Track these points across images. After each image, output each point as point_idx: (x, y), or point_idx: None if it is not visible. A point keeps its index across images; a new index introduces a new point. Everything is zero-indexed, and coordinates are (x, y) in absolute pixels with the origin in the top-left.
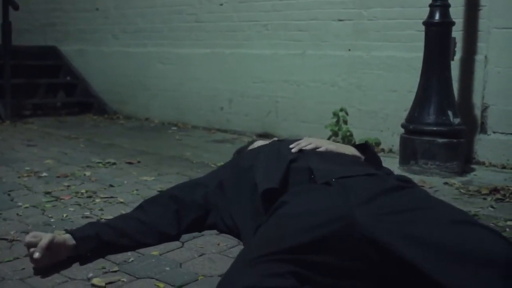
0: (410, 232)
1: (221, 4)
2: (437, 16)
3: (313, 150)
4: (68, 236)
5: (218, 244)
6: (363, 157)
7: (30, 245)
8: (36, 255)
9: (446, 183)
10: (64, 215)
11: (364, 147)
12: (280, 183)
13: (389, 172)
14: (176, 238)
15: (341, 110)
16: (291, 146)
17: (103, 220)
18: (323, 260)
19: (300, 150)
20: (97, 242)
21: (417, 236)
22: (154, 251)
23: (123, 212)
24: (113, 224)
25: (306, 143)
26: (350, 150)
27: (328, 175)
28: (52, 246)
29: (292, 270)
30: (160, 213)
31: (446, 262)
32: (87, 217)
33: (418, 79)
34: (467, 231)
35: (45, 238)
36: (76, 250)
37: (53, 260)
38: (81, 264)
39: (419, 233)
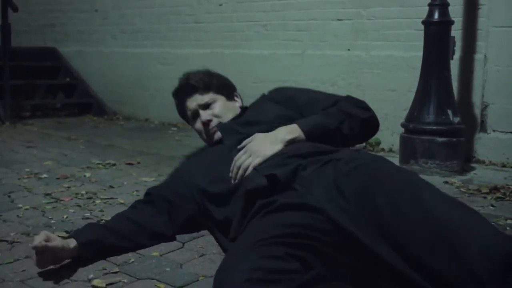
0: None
1: (220, 5)
2: (436, 15)
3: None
4: (70, 240)
5: (219, 245)
6: (301, 133)
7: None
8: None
9: (446, 182)
10: (64, 216)
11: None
12: (243, 219)
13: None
14: (171, 237)
15: None
16: (230, 174)
17: (102, 221)
18: (317, 246)
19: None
20: (99, 246)
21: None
22: (154, 252)
23: None
24: (111, 227)
25: (239, 167)
26: (281, 137)
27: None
28: (57, 252)
29: (291, 252)
30: (154, 214)
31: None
32: (87, 218)
33: (417, 79)
34: (432, 215)
35: (56, 241)
36: (78, 254)
37: (56, 264)
38: (82, 266)
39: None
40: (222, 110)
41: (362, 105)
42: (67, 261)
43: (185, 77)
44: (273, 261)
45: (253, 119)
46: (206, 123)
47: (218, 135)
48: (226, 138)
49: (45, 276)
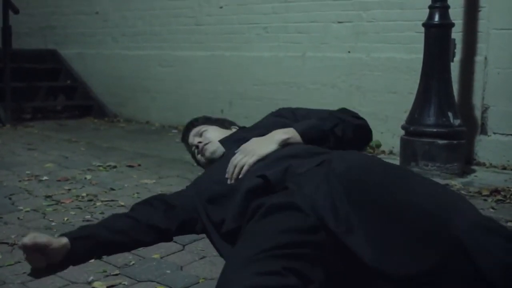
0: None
1: (221, 7)
2: (436, 18)
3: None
4: (62, 238)
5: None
6: (296, 134)
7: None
8: (26, 239)
9: (446, 185)
10: (65, 218)
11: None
12: (240, 217)
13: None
14: (167, 234)
15: None
16: (227, 175)
17: None
18: (311, 253)
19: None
20: (92, 242)
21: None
22: (155, 254)
23: None
24: (104, 223)
25: (234, 168)
26: (276, 138)
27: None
28: (47, 250)
29: (287, 265)
30: (150, 211)
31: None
32: (88, 220)
33: (417, 81)
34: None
35: (41, 238)
36: (70, 252)
37: (48, 263)
38: (73, 264)
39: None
40: (213, 134)
41: (355, 115)
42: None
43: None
44: (270, 278)
45: (252, 128)
46: (196, 146)
47: (208, 152)
48: (227, 148)
49: (34, 274)
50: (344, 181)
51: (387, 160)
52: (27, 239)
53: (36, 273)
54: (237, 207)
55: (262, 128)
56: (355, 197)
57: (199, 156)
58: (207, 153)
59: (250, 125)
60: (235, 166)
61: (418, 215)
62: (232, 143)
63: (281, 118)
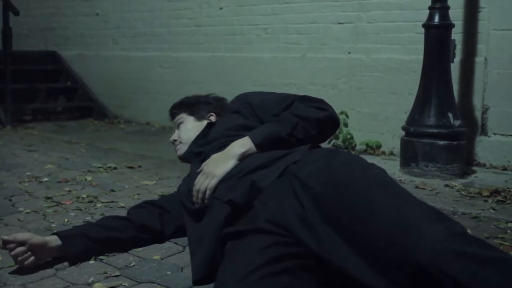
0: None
1: (221, 8)
2: (436, 18)
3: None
4: (52, 237)
5: None
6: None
7: (6, 243)
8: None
9: (447, 185)
10: (66, 220)
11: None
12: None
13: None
14: (160, 237)
15: (342, 113)
16: (193, 199)
17: None
18: (292, 267)
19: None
20: (84, 240)
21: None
22: (155, 255)
23: None
24: (97, 222)
25: (197, 193)
26: (234, 153)
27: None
28: (32, 247)
29: (273, 284)
30: (145, 213)
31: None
32: (88, 222)
33: (418, 82)
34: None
35: (34, 238)
36: (62, 250)
37: (38, 261)
38: (71, 264)
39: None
40: (185, 130)
41: (317, 105)
42: (49, 259)
43: None
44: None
45: (210, 137)
46: (172, 142)
47: (180, 152)
48: (192, 163)
49: (20, 271)
50: (308, 193)
51: (387, 161)
52: (6, 236)
53: (20, 271)
54: (207, 255)
55: (217, 139)
56: (323, 213)
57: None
58: (178, 153)
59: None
60: (198, 191)
61: (378, 238)
62: (193, 157)
63: (237, 114)
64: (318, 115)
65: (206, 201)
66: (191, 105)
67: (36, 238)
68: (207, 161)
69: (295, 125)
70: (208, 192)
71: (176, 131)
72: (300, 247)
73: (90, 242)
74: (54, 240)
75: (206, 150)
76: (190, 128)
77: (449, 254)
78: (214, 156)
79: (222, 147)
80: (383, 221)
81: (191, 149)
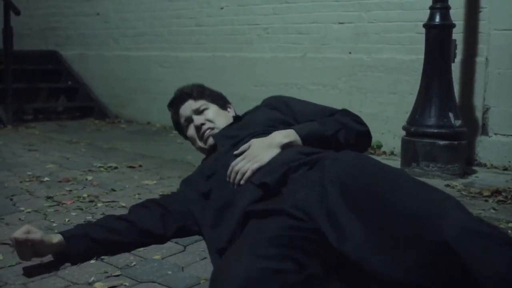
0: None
1: (221, 8)
2: (437, 18)
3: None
4: (55, 236)
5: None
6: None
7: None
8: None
9: (447, 185)
10: (66, 219)
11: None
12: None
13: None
14: (162, 239)
15: None
16: (228, 179)
17: None
18: (307, 247)
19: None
20: (87, 240)
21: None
22: (156, 255)
23: None
24: (99, 222)
25: (235, 174)
26: (277, 141)
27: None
28: (38, 247)
29: (284, 253)
30: (147, 214)
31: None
32: (89, 221)
33: (418, 82)
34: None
35: (35, 234)
36: (65, 249)
37: (38, 257)
38: (72, 264)
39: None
40: (215, 115)
41: (358, 119)
42: (49, 256)
43: (179, 88)
44: (267, 261)
45: (246, 123)
46: (199, 127)
47: (211, 140)
48: (220, 145)
49: (25, 271)
50: (338, 184)
51: (388, 161)
52: (19, 234)
53: (29, 272)
54: (232, 227)
55: (258, 125)
56: (349, 202)
57: (194, 136)
58: (209, 141)
59: (243, 113)
60: (237, 172)
61: (400, 220)
62: (225, 139)
63: (275, 110)
64: (359, 128)
65: (242, 182)
66: (211, 93)
67: (45, 240)
68: (247, 144)
69: (339, 129)
70: (248, 174)
71: (196, 116)
72: (319, 236)
73: (93, 243)
74: (58, 239)
75: (240, 135)
76: (218, 113)
77: (475, 234)
78: (256, 142)
79: (261, 134)
80: (412, 202)
81: (223, 132)
